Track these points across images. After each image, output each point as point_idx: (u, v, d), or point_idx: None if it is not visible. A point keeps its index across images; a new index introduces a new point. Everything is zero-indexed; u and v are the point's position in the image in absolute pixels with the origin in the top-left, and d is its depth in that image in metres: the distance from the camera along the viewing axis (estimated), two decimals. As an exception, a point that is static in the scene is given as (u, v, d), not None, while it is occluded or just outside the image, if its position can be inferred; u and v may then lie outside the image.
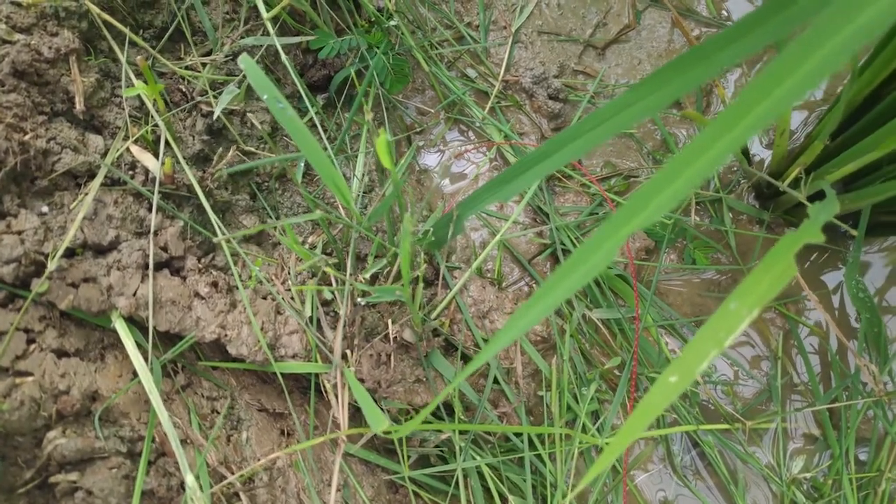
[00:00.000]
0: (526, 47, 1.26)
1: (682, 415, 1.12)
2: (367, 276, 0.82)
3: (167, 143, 0.84)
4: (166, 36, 0.95)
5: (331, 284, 0.93)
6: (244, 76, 1.04)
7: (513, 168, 0.76)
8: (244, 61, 0.70)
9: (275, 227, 0.95)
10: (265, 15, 0.92)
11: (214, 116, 0.85)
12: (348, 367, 0.84)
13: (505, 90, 1.25)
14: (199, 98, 0.95)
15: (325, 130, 1.19)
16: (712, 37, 0.47)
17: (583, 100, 1.23)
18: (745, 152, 1.16)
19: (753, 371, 1.17)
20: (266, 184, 1.08)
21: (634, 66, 1.26)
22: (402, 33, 1.17)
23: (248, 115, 0.94)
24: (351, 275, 0.86)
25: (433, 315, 1.02)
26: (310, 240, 1.02)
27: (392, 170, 0.75)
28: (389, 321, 0.93)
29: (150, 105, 0.83)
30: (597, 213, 1.18)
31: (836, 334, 1.14)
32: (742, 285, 0.54)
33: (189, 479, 0.68)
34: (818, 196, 1.07)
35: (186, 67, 0.95)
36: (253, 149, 1.00)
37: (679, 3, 1.28)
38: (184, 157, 0.91)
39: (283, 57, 0.94)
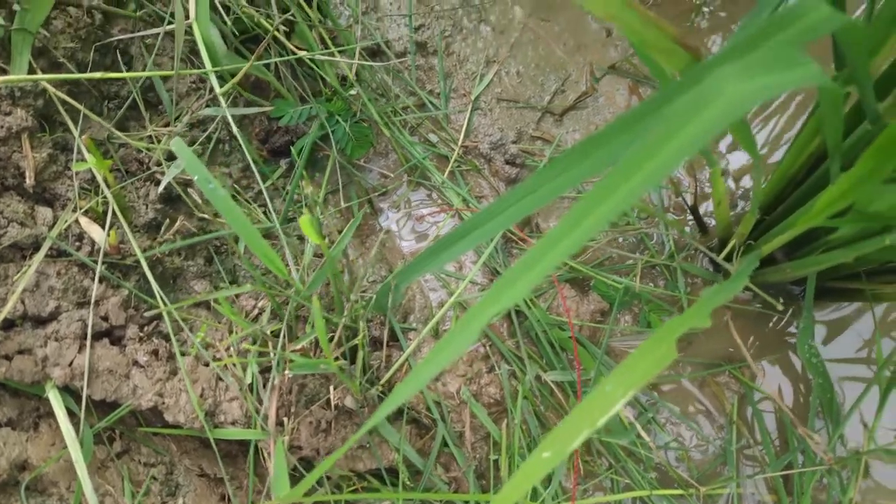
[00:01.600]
0: (485, 114, 1.30)
1: (636, 479, 1.12)
2: (301, 345, 0.84)
3: (115, 214, 0.88)
4: (122, 109, 0.99)
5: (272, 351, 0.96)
6: (199, 145, 1.09)
7: (448, 237, 0.79)
8: (176, 145, 0.74)
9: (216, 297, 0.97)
10: (218, 90, 0.97)
11: (160, 189, 0.89)
12: (283, 435, 0.86)
13: (464, 155, 1.29)
14: (154, 168, 0.99)
15: (266, 195, 1.22)
16: (628, 112, 0.49)
17: (539, 165, 1.26)
18: (699, 219, 1.18)
19: (708, 435, 1.17)
20: (224, 246, 1.11)
21: (591, 131, 1.29)
22: (364, 102, 1.21)
23: (189, 190, 0.97)
24: (284, 345, 0.88)
25: (383, 378, 1.03)
26: (260, 304, 1.04)
27: (321, 244, 0.77)
28: (331, 387, 0.95)
29: (99, 179, 0.87)
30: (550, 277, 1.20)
31: (777, 403, 1.14)
32: (619, 368, 0.56)
33: (107, 552, 0.69)
34: (768, 262, 1.09)
35: (146, 137, 0.99)
36: (208, 216, 1.04)
37: (636, 71, 1.32)
38: (136, 226, 0.95)
39: (235, 129, 0.98)
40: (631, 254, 1.22)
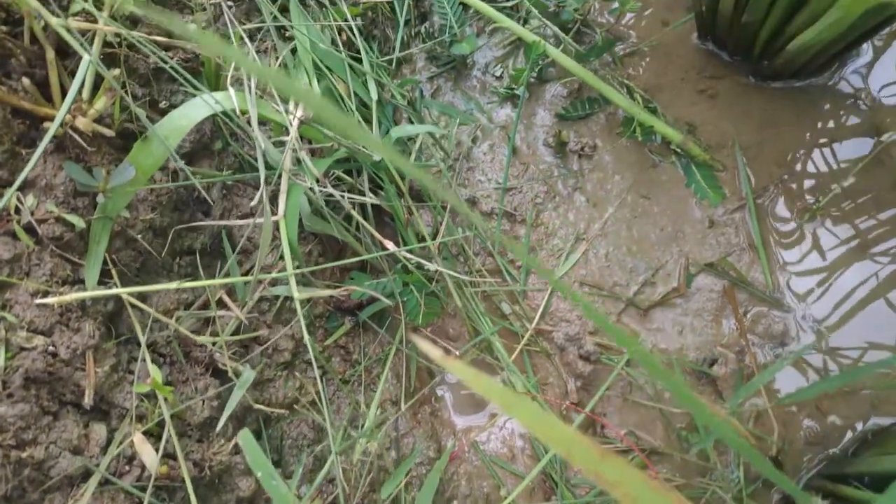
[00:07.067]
0: (565, 298, 1.22)
1: None
2: None
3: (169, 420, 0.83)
4: (194, 306, 0.94)
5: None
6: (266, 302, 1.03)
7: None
8: (243, 438, 0.68)
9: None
10: (296, 296, 0.91)
11: (219, 427, 0.84)
12: None
13: (536, 335, 1.21)
14: (216, 356, 0.95)
15: (349, 353, 1.17)
16: None
17: (616, 364, 1.18)
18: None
19: None
20: (273, 412, 1.06)
21: (677, 333, 1.20)
22: (442, 274, 1.15)
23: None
24: None
25: None
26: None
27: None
28: None
29: (161, 400, 0.82)
30: (606, 493, 1.13)
31: None
32: None
33: None
34: None
35: (211, 332, 0.95)
36: (264, 407, 0.99)
37: (736, 273, 1.23)
38: (189, 425, 0.90)
39: (299, 310, 0.92)
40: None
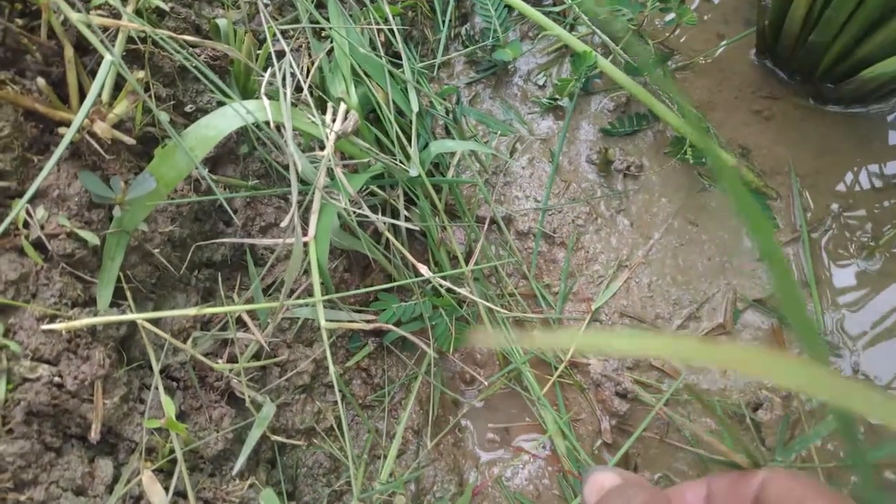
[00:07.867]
0: (603, 328, 1.14)
1: None
2: None
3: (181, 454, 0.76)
4: (213, 327, 0.87)
5: None
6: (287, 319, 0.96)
7: None
8: (265, 498, 0.61)
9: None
10: (318, 296, 0.83)
11: (237, 467, 0.76)
12: None
13: (570, 368, 1.14)
14: (233, 382, 0.88)
15: (370, 376, 1.10)
16: None
17: (653, 405, 1.10)
18: None
19: None
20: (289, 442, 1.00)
21: (720, 373, 1.13)
22: (474, 300, 1.07)
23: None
24: None
25: None
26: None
27: None
28: None
29: (173, 436, 0.75)
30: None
31: None
32: None
33: None
34: None
35: (230, 354, 0.88)
36: (281, 438, 0.92)
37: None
38: (202, 457, 0.83)
39: (325, 339, 0.84)
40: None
